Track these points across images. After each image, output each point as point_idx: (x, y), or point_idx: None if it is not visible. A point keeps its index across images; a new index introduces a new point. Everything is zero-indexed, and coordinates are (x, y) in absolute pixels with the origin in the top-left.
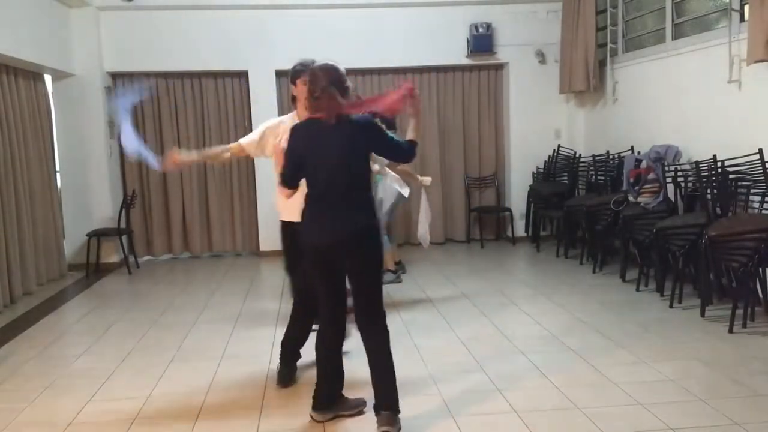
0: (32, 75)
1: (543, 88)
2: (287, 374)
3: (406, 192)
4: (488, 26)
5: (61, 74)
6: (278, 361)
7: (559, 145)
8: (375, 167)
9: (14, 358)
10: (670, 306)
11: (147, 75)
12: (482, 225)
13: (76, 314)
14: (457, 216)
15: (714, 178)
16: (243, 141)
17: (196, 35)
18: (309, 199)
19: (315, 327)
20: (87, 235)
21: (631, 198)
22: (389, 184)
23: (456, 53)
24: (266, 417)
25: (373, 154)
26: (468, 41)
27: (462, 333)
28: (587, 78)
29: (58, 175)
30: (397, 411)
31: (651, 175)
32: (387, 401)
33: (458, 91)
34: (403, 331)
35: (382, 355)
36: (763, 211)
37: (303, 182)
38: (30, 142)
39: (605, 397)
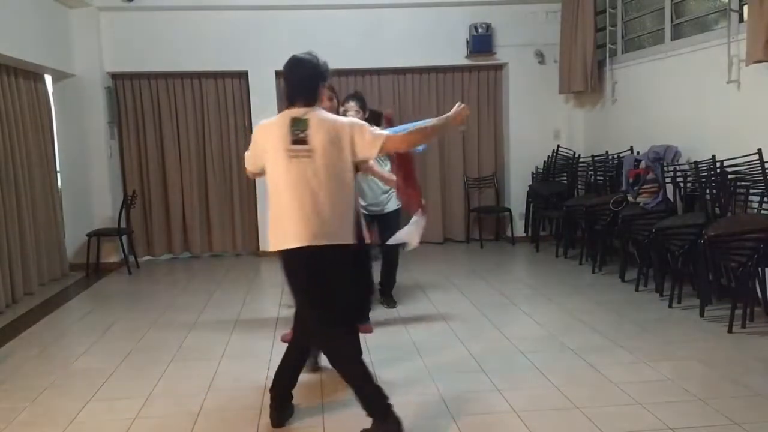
0: (33, 75)
1: (542, 88)
2: None
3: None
4: (488, 27)
5: (61, 74)
6: None
7: (558, 146)
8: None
9: (15, 358)
10: (669, 306)
11: (147, 75)
12: (481, 225)
13: (77, 314)
14: (457, 216)
15: (713, 178)
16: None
17: (196, 35)
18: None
19: None
20: (87, 235)
21: (630, 198)
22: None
23: (455, 54)
24: (266, 417)
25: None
26: (467, 42)
27: (462, 333)
28: (586, 78)
29: (58, 175)
30: None
31: (650, 176)
32: None
33: (458, 92)
34: (403, 330)
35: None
36: (762, 211)
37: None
38: (30, 142)
39: (605, 397)
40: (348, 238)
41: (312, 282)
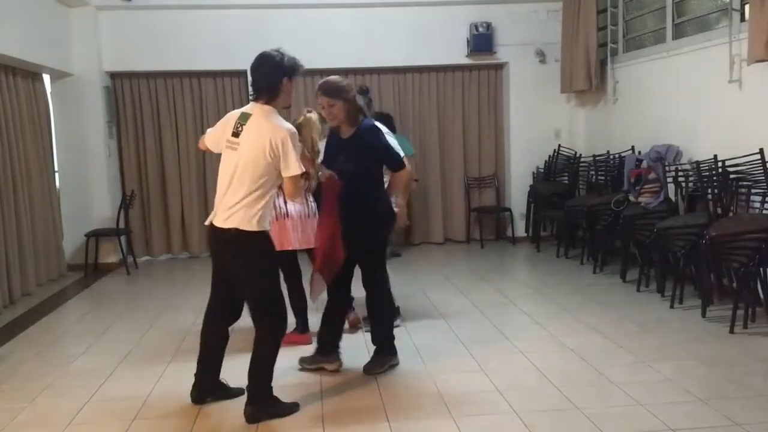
0: (31, 75)
1: (543, 87)
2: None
3: None
4: (488, 26)
5: (60, 74)
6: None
7: (559, 145)
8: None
9: (14, 358)
10: (671, 306)
11: (146, 74)
12: (482, 225)
13: (76, 314)
14: (457, 216)
15: (715, 178)
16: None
17: (196, 35)
18: None
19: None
20: (86, 236)
21: (631, 198)
22: None
23: (456, 53)
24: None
25: None
26: (468, 41)
27: (462, 333)
28: (588, 78)
29: (56, 175)
30: None
31: (651, 175)
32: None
33: (458, 91)
34: (403, 330)
35: None
36: (764, 211)
37: None
38: (29, 142)
39: (605, 397)
40: (248, 227)
41: (212, 259)
